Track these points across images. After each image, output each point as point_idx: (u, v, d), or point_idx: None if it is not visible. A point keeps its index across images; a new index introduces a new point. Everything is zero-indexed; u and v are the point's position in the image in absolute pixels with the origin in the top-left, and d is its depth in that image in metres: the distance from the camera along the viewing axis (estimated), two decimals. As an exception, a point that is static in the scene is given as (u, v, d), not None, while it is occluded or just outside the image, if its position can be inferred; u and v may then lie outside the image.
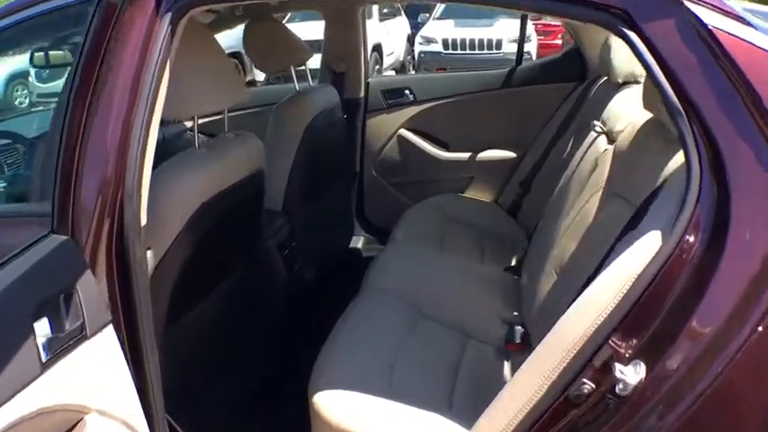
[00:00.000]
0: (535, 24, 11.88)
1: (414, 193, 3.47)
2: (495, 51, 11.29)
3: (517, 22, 11.02)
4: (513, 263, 2.82)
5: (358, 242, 3.52)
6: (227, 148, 1.99)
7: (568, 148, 2.89)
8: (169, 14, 1.39)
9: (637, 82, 2.51)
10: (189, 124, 3.42)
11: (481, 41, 11.40)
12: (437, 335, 2.17)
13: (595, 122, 2.38)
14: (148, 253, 1.62)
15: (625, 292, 1.31)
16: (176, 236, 1.73)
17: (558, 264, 2.11)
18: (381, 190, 3.54)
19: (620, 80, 2.53)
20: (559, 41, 12.53)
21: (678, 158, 1.57)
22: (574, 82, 3.29)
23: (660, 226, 1.34)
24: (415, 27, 13.04)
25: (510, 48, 11.10)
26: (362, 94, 3.43)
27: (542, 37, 12.17)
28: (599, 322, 1.33)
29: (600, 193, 2.05)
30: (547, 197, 2.74)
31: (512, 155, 3.45)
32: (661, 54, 1.31)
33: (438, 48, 11.53)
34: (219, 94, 1.86)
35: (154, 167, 1.53)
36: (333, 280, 2.89)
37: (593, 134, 2.38)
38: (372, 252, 3.43)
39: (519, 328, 2.16)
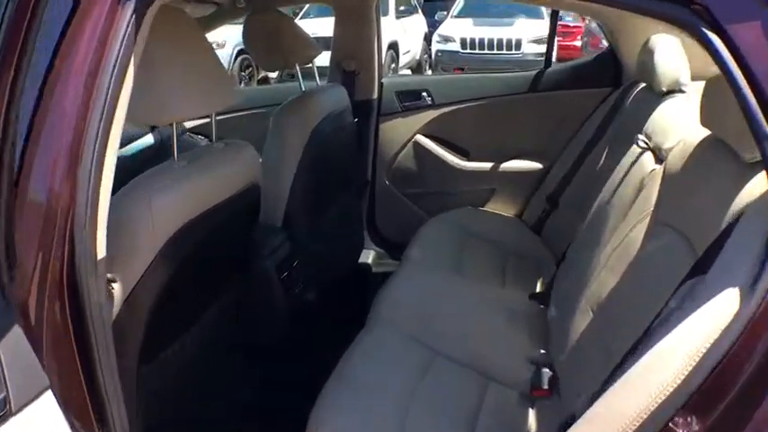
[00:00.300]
0: (555, 25, 11.57)
1: (430, 205, 3.21)
2: (515, 52, 11.05)
3: (537, 23, 11.14)
4: (538, 287, 2.55)
5: (368, 257, 3.25)
6: (214, 160, 1.72)
7: (602, 162, 2.62)
8: (132, 3, 1.12)
9: (681, 91, 2.25)
10: (194, 124, 3.31)
11: (500, 41, 11.14)
12: (454, 376, 1.92)
13: (639, 136, 2.10)
14: (115, 286, 1.38)
15: (694, 364, 1.05)
16: (149, 264, 1.47)
17: (594, 300, 1.84)
18: (394, 201, 3.26)
19: (663, 89, 2.25)
20: (579, 43, 12.35)
21: (753, 190, 1.29)
22: (607, 88, 3.01)
23: (738, 281, 1.06)
24: (432, 26, 12.79)
25: (530, 48, 10.97)
26: (375, 95, 3.15)
27: (560, 38, 11.83)
28: (661, 399, 1.07)
29: (647, 220, 1.77)
30: (578, 216, 2.49)
31: (537, 166, 3.17)
32: (748, 63, 1.04)
33: (456, 47, 11.27)
34: (203, 96, 1.59)
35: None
36: (338, 302, 2.63)
37: (635, 149, 2.09)
38: (383, 267, 3.20)
39: (546, 370, 1.90)
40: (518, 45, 11.08)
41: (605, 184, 2.29)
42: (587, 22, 12.52)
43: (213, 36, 9.10)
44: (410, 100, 3.19)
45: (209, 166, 1.67)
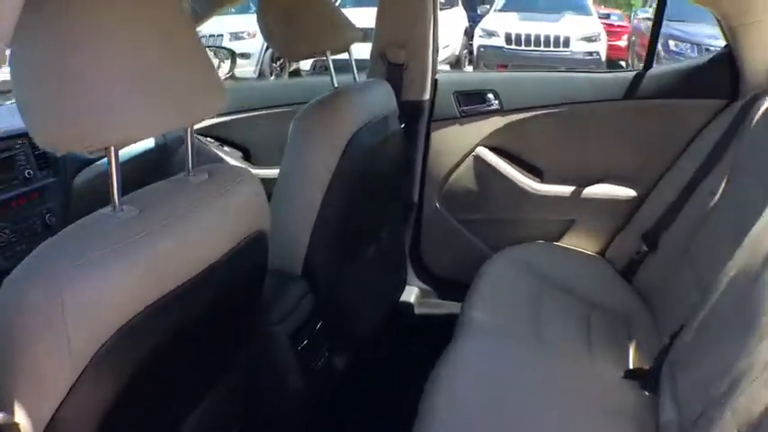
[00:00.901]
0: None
1: (491, 236, 2.56)
2: (563, 49, 10.35)
3: (585, 19, 10.49)
4: (631, 356, 1.97)
5: (410, 294, 2.60)
6: (189, 204, 1.06)
7: (720, 197, 2.00)
8: None
9: None
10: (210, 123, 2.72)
11: (547, 38, 10.44)
12: None
13: None
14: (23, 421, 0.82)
15: None
16: (78, 376, 0.87)
17: (745, 419, 1.18)
18: (446, 229, 2.61)
19: None
20: (624, 43, 11.75)
21: None
22: (723, 99, 2.34)
23: None
24: (473, 20, 12.17)
25: (579, 47, 10.32)
26: (428, 95, 2.49)
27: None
28: None
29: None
30: (687, 266, 1.95)
31: (630, 193, 2.49)
32: None
33: (500, 42, 10.58)
34: (156, 110, 0.96)
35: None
36: (373, 368, 2.01)
37: None
38: (428, 308, 2.60)
39: None
40: (566, 42, 10.40)
41: (731, 229, 1.68)
42: (635, 21, 11.96)
43: (243, 25, 8.64)
44: (472, 103, 2.52)
45: (180, 217, 1.02)
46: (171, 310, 0.98)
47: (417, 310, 2.60)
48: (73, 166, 2.14)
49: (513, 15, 11.02)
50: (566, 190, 2.53)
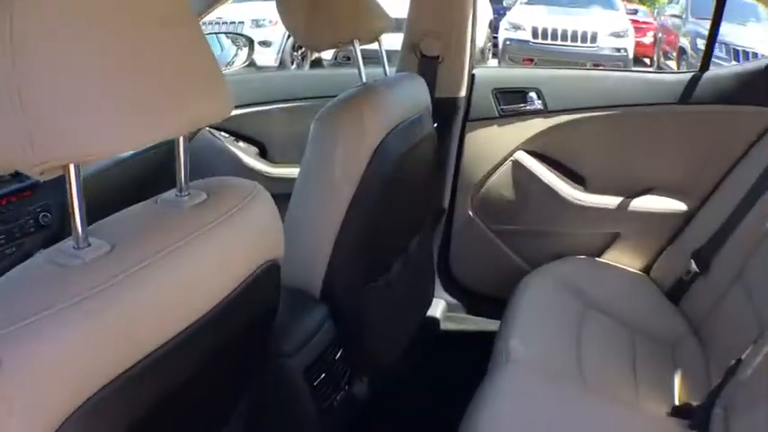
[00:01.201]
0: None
1: (527, 248, 2.35)
2: (590, 45, 10.05)
3: (612, 14, 10.24)
4: (677, 390, 1.76)
5: (436, 307, 2.39)
6: (183, 237, 0.82)
7: None
8: None
9: None
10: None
11: (575, 33, 10.15)
12: None
13: None
14: None
15: None
16: None
17: None
18: (479, 239, 2.39)
19: None
20: (649, 40, 11.49)
21: None
22: None
23: None
24: (497, 12, 11.84)
25: (607, 42, 10.03)
26: (464, 92, 2.26)
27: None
28: None
29: None
30: (743, 292, 1.76)
31: (681, 207, 2.26)
32: None
33: (526, 36, 10.28)
34: (133, 118, 0.70)
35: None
36: (396, 394, 1.81)
37: None
38: (455, 324, 2.40)
39: None
40: (594, 38, 10.09)
41: None
42: (661, 18, 11.68)
43: (265, 12, 8.39)
44: (512, 102, 2.30)
45: (168, 255, 0.79)
46: (151, 376, 0.76)
47: (443, 326, 2.40)
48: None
49: (541, 8, 10.72)
50: (610, 201, 2.30)
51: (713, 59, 2.34)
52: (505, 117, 2.30)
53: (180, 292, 0.79)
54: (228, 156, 2.48)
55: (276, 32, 8.56)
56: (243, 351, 1.02)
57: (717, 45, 2.37)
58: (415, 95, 1.79)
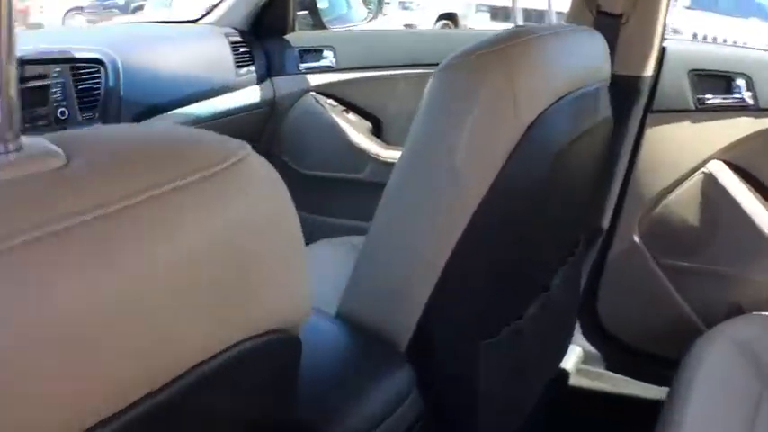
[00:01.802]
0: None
1: (708, 295, 1.71)
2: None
3: None
4: None
5: (569, 355, 1.79)
6: None
7: None
8: None
9: None
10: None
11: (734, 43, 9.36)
12: None
13: None
14: None
15: None
16: None
17: None
18: (643, 274, 1.76)
19: None
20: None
21: None
22: None
23: None
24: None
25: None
26: (651, 70, 1.62)
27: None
28: None
29: None
30: None
31: None
32: None
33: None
34: None
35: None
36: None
37: None
38: (588, 380, 1.82)
39: None
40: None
41: None
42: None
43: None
44: (716, 91, 1.66)
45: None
46: None
47: (573, 380, 1.80)
48: (132, 109, 1.67)
49: (700, 14, 10.04)
50: None
51: None
52: (704, 111, 1.66)
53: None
54: (334, 129, 2.07)
55: (423, 17, 8.29)
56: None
57: None
58: (594, 58, 1.21)
